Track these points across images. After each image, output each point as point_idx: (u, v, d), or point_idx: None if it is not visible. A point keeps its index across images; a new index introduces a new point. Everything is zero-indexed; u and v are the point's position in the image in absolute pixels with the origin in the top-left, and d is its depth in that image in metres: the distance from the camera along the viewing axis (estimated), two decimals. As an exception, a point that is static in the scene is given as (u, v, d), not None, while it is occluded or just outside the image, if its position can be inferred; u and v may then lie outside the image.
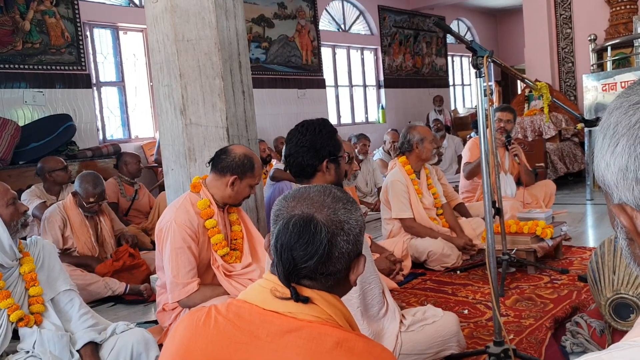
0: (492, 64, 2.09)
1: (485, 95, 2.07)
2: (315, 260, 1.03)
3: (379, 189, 5.98)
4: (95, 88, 6.89)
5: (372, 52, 11.35)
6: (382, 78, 11.34)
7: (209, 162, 2.66)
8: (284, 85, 8.99)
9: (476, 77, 1.97)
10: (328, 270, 1.06)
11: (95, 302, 3.48)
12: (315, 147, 2.08)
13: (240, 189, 2.57)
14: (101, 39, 7.15)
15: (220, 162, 2.57)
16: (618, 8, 7.24)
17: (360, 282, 2.00)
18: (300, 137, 2.12)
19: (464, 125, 11.34)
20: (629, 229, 0.62)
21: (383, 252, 3.27)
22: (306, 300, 1.03)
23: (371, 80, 11.41)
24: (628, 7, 7.18)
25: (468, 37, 13.83)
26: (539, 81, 3.92)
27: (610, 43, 6.71)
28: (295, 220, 1.05)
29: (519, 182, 4.82)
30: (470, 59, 1.97)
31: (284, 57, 8.98)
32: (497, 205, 3.37)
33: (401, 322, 2.11)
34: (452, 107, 13.13)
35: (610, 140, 0.62)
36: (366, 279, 2.03)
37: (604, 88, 6.06)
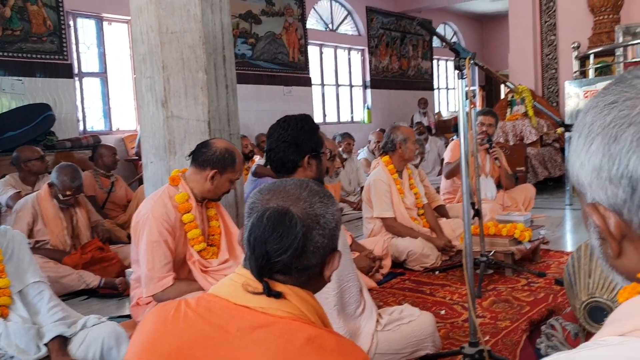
0: (475, 67, 2.09)
1: (467, 98, 2.08)
2: (290, 254, 1.01)
3: (362, 188, 5.99)
4: (77, 78, 6.79)
5: (359, 53, 11.37)
6: (368, 79, 11.37)
7: (189, 156, 2.62)
8: (269, 81, 8.96)
9: (458, 79, 1.97)
10: (302, 264, 1.04)
11: (69, 296, 3.41)
12: (297, 143, 2.06)
13: (220, 183, 2.54)
14: (85, 28, 7.05)
15: (200, 156, 2.53)
16: (601, 17, 7.33)
17: (338, 280, 1.98)
18: (281, 132, 2.10)
19: (448, 128, 11.41)
20: (602, 229, 0.62)
21: (363, 251, 3.26)
22: (278, 295, 1.01)
23: (357, 80, 11.42)
24: (611, 16, 7.28)
25: (454, 41, 13.92)
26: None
27: (593, 51, 6.80)
28: (270, 213, 1.02)
29: (499, 185, 4.85)
30: (454, 61, 1.97)
31: (271, 53, 8.95)
32: (476, 207, 3.40)
33: (377, 321, 2.10)
34: (437, 110, 13.21)
35: (585, 139, 0.61)
36: (344, 277, 2.02)
37: (585, 95, 6.13)
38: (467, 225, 2.15)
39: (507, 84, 2.47)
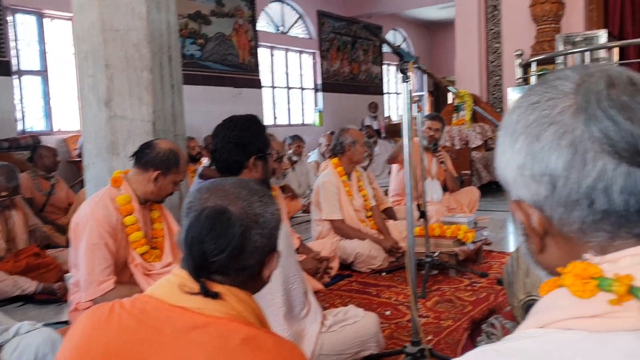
0: (423, 73, 2.13)
1: (411, 102, 2.11)
2: (227, 253, 1.00)
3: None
4: (15, 76, 6.52)
5: (311, 56, 11.40)
6: (320, 82, 11.42)
7: (132, 156, 2.56)
8: (219, 83, 8.86)
9: (402, 82, 2.00)
10: (240, 264, 1.03)
11: (3, 302, 3.26)
12: (242, 143, 2.04)
13: (163, 185, 2.49)
14: (24, 25, 6.78)
15: (143, 156, 2.48)
16: (543, 26, 7.62)
17: (283, 282, 1.98)
18: (227, 133, 2.08)
19: (397, 132, 11.56)
20: (525, 225, 0.64)
21: (311, 253, 3.27)
22: (215, 295, 0.99)
23: (309, 83, 11.46)
24: (552, 26, 7.58)
25: (404, 47, 14.17)
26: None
27: (534, 59, 7.05)
28: (208, 212, 1.01)
29: (445, 188, 4.97)
30: (397, 65, 2.00)
31: (220, 55, 8.85)
32: (422, 209, 3.46)
33: (322, 322, 2.11)
34: (387, 114, 13.40)
35: (510, 138, 0.63)
36: (289, 278, 2.01)
37: (527, 101, 6.33)
38: (410, 226, 2.19)
39: (449, 88, 2.53)
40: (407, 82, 1.97)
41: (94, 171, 3.20)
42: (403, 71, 1.96)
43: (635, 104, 0.57)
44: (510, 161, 0.63)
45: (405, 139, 2.10)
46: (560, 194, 0.59)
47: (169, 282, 1.04)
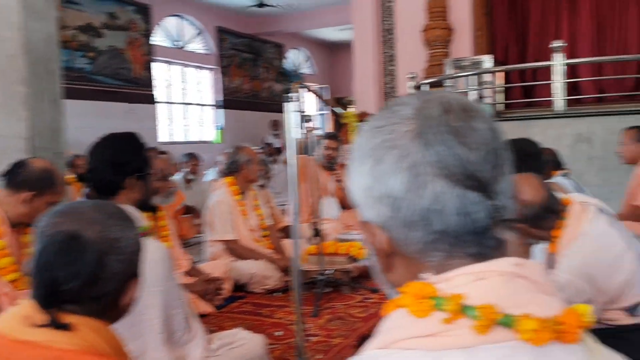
0: (309, 92, 2.16)
1: (304, 121, 2.14)
2: (81, 281, 0.95)
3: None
4: None
5: (211, 72, 11.26)
6: (220, 98, 11.28)
7: (2, 176, 2.37)
8: (111, 98, 8.48)
9: (284, 102, 2.01)
10: (96, 292, 0.98)
11: None
12: (119, 163, 1.95)
13: (38, 206, 2.32)
14: None
15: (15, 177, 2.30)
16: (434, 51, 8.05)
17: (163, 306, 1.89)
18: (103, 151, 1.98)
19: (299, 150, 11.68)
20: (373, 245, 0.65)
21: (201, 275, 3.18)
22: (66, 327, 0.93)
23: (208, 99, 11.29)
24: (442, 50, 8.03)
25: (307, 66, 14.39)
26: (362, 111, 4.20)
27: (426, 82, 7.42)
28: (60, 237, 0.95)
29: (343, 206, 5.05)
30: (282, 84, 2.01)
31: (113, 69, 8.50)
32: (316, 227, 3.50)
33: (208, 347, 2.04)
34: (289, 132, 13.46)
35: (359, 160, 0.64)
36: (170, 303, 1.93)
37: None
38: (296, 245, 2.20)
39: (333, 109, 2.59)
40: (290, 101, 1.98)
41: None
42: (287, 91, 1.97)
43: (468, 130, 0.60)
44: (359, 183, 0.64)
45: (290, 159, 2.10)
46: (401, 215, 0.60)
47: (13, 315, 0.96)
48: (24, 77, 2.99)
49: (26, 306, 0.96)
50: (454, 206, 0.58)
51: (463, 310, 0.56)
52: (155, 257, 1.82)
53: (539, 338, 0.55)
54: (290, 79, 2.90)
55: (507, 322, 0.56)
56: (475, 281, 0.59)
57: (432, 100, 0.63)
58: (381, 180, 0.61)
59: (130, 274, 1.03)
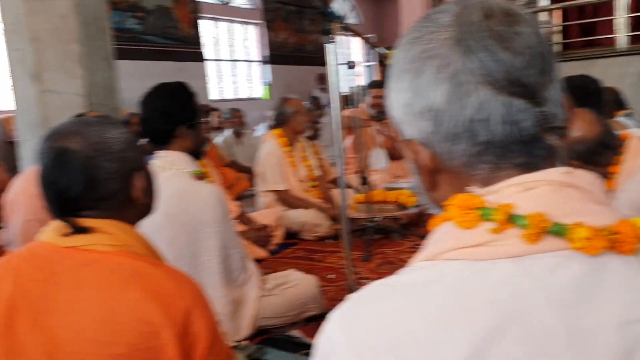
0: (349, 33, 2.10)
1: (349, 67, 2.11)
2: (81, 187, 1.04)
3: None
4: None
5: (256, 28, 11.20)
6: (267, 54, 11.25)
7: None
8: (161, 57, 8.59)
9: (326, 43, 1.97)
10: (102, 194, 1.06)
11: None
12: (170, 112, 1.99)
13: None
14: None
15: None
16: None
17: (220, 247, 1.95)
18: (154, 101, 2.03)
19: (347, 103, 11.57)
20: (416, 163, 0.64)
21: (252, 223, 3.26)
22: (85, 230, 1.02)
23: (255, 55, 11.28)
24: None
25: (353, 15, 14.09)
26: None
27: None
28: (52, 154, 1.05)
29: (391, 156, 5.02)
30: (322, 26, 1.96)
31: (161, 28, 8.59)
32: (364, 176, 3.51)
33: (263, 287, 2.12)
34: (336, 86, 13.32)
35: (397, 76, 0.63)
36: (227, 243, 1.99)
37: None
38: (343, 193, 2.22)
39: (377, 49, 2.53)
40: (331, 42, 1.94)
41: (30, 148, 3.11)
42: (327, 32, 1.93)
43: (511, 34, 0.57)
44: (397, 100, 0.63)
45: (334, 109, 2.09)
46: (444, 128, 0.58)
47: (52, 229, 1.07)
48: (77, 37, 3.09)
49: (57, 222, 1.07)
50: (500, 115, 0.56)
51: (512, 219, 0.55)
52: (211, 199, 1.88)
53: (592, 247, 0.53)
54: (331, 18, 2.79)
55: (558, 230, 0.54)
56: (524, 191, 0.57)
57: (473, 6, 0.59)
58: (421, 93, 0.59)
59: (128, 169, 1.10)
